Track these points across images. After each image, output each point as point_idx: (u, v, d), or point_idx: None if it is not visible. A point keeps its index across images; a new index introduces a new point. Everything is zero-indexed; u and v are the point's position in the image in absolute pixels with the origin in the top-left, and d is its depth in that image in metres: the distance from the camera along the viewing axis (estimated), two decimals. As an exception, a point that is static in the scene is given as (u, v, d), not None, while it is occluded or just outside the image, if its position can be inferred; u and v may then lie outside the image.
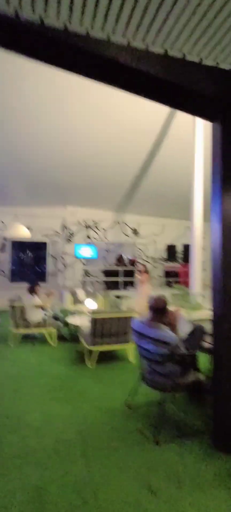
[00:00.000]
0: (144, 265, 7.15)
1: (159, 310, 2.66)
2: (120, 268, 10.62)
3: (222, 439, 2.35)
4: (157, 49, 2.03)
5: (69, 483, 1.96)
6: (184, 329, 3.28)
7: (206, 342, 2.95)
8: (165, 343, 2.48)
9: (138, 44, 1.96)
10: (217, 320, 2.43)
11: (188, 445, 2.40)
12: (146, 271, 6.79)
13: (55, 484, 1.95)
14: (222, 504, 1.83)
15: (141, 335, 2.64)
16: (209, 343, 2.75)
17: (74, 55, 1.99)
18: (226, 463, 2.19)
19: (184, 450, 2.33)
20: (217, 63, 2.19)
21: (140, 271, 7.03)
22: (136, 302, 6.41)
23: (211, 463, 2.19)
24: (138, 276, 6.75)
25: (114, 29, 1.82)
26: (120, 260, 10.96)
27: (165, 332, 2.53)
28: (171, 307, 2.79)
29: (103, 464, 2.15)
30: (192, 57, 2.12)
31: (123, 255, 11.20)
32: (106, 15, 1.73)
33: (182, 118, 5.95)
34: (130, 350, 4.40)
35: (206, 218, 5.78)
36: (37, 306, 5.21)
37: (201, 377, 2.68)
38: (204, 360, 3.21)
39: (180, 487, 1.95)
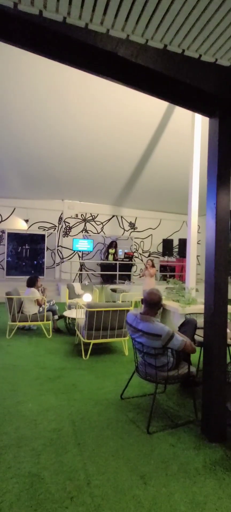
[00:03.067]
0: (152, 260, 7.32)
1: (152, 304, 2.70)
2: (113, 258, 10.58)
3: (211, 429, 2.43)
4: (156, 44, 2.02)
5: (63, 471, 2.01)
6: (178, 323, 3.34)
7: (198, 335, 3.01)
8: (157, 335, 2.52)
9: (137, 38, 1.95)
10: (208, 313, 2.49)
11: (178, 435, 2.47)
12: (153, 265, 6.95)
13: (50, 471, 2.00)
14: (209, 491, 1.90)
15: (134, 328, 2.69)
16: (201, 336, 2.81)
17: (73, 48, 1.97)
18: (214, 452, 2.27)
19: (174, 439, 2.41)
20: (216, 60, 2.19)
21: (147, 265, 7.17)
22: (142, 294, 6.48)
23: (200, 452, 2.26)
24: (150, 270, 6.88)
25: (114, 23, 1.81)
26: (112, 245, 10.86)
27: (155, 325, 2.57)
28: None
29: (96, 452, 2.21)
30: (191, 53, 2.11)
31: (116, 241, 11.11)
32: (105, 9, 1.71)
33: (181, 112, 5.94)
34: (124, 343, 4.47)
35: (200, 213, 5.83)
36: (35, 300, 5.23)
37: (192, 369, 2.75)
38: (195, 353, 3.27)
39: (169, 475, 2.01)
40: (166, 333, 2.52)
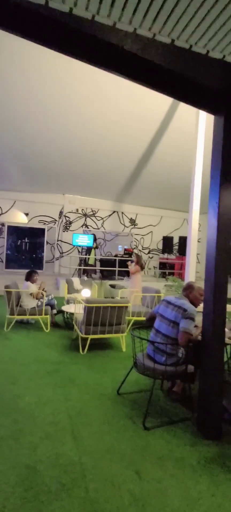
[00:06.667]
0: (137, 256, 7.11)
1: (186, 288, 3.04)
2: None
3: (207, 426, 2.46)
4: (164, 39, 1.99)
5: (59, 464, 2.03)
6: None
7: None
8: (184, 309, 2.72)
9: (144, 32, 1.92)
10: (207, 312, 2.50)
11: (174, 431, 2.49)
12: (138, 262, 6.76)
13: (46, 464, 2.01)
14: (203, 487, 1.92)
15: (167, 303, 2.92)
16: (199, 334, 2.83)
17: (78, 40, 1.94)
18: (210, 449, 2.29)
19: (170, 435, 2.42)
20: (224, 56, 2.16)
21: (132, 261, 7.03)
22: (129, 292, 6.46)
23: (195, 449, 2.28)
24: (130, 267, 6.74)
25: (121, 16, 1.77)
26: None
27: (188, 303, 2.84)
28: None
29: (92, 446, 2.23)
30: (199, 49, 2.08)
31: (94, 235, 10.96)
32: (113, 1, 1.68)
33: (185, 109, 5.88)
34: (122, 339, 4.48)
35: (201, 211, 5.81)
36: (33, 294, 5.23)
37: (190, 367, 2.78)
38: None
39: (164, 470, 2.03)
40: (192, 312, 2.72)
